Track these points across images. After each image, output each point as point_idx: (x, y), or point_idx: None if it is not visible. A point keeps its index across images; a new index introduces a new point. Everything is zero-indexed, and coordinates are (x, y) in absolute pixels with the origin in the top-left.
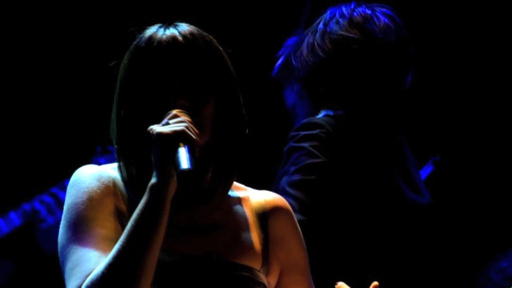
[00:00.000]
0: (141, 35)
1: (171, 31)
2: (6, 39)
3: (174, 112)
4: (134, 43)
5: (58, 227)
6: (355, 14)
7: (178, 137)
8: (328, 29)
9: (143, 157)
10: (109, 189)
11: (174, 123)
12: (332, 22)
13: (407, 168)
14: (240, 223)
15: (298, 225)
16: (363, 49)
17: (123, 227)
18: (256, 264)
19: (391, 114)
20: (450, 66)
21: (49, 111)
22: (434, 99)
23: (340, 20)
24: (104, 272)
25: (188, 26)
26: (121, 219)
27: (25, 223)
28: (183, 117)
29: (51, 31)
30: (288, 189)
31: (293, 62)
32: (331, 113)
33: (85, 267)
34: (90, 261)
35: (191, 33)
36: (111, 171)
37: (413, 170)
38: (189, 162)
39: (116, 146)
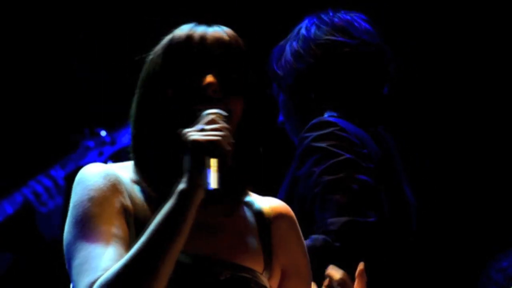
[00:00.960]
0: (178, 30)
1: (214, 28)
2: None
3: (212, 116)
4: (170, 36)
5: (57, 212)
6: (336, 19)
7: (212, 149)
8: (311, 36)
9: (169, 150)
10: (115, 187)
11: (210, 130)
12: (312, 28)
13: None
14: (245, 227)
15: (300, 232)
16: (352, 50)
17: (129, 226)
18: (259, 267)
19: (379, 113)
20: (448, 66)
21: (35, 95)
22: (435, 99)
23: (322, 26)
24: (121, 272)
25: (226, 27)
26: (127, 218)
27: (18, 211)
28: (220, 124)
29: (33, 22)
30: (326, 195)
31: (277, 71)
32: (335, 114)
33: (95, 264)
34: (100, 257)
35: (233, 33)
36: (118, 169)
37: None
38: (218, 181)
39: (137, 136)
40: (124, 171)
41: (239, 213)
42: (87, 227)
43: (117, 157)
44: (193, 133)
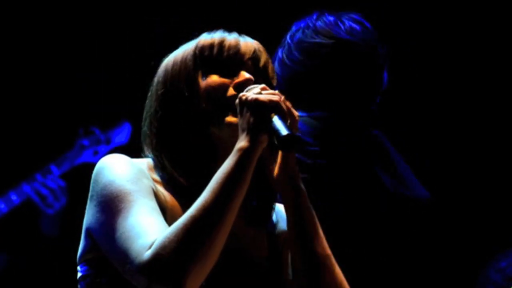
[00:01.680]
0: (207, 35)
1: (244, 38)
2: None
3: (263, 85)
4: (200, 39)
5: (61, 212)
6: (318, 22)
7: (274, 107)
8: (294, 40)
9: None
10: (141, 172)
11: (267, 93)
12: (297, 34)
13: (390, 161)
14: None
15: None
16: (332, 51)
17: (159, 206)
18: (264, 253)
19: (368, 111)
20: (447, 66)
21: (30, 93)
22: (434, 99)
23: (306, 30)
24: (187, 224)
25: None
26: (157, 199)
27: (24, 204)
28: (276, 92)
29: (27, 18)
30: None
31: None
32: (305, 114)
33: (146, 229)
34: (150, 224)
35: (257, 43)
36: (137, 161)
37: (398, 164)
38: (287, 129)
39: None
40: (144, 166)
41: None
42: (126, 201)
43: None
44: (253, 94)
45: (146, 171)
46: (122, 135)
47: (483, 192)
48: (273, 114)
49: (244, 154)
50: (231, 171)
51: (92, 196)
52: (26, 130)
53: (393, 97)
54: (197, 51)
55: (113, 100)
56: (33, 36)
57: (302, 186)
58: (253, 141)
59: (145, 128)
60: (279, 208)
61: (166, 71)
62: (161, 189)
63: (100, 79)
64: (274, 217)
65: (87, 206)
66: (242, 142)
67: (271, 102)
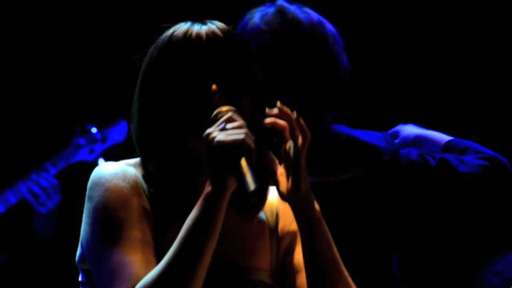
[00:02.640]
0: (172, 30)
1: (208, 26)
2: None
3: (230, 114)
4: (165, 36)
5: (54, 211)
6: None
7: (239, 149)
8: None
9: (172, 152)
10: (134, 189)
11: (232, 128)
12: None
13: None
14: (256, 225)
15: None
16: (271, 46)
17: (149, 227)
18: (266, 265)
19: (326, 105)
20: (447, 66)
21: (27, 92)
22: (434, 99)
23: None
24: (156, 281)
25: (220, 23)
26: (148, 219)
27: (20, 203)
28: (240, 121)
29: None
30: None
31: None
32: None
33: (128, 271)
34: (131, 265)
35: (228, 29)
36: (131, 168)
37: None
38: (254, 181)
39: (141, 143)
40: (138, 168)
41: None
42: (114, 232)
43: (108, 155)
44: (218, 135)
45: (137, 176)
46: (118, 133)
47: None
48: (242, 161)
49: (212, 201)
50: (198, 221)
51: (86, 208)
52: (23, 129)
53: (393, 97)
54: (164, 55)
55: (109, 98)
56: (32, 35)
57: (317, 213)
58: (220, 187)
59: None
60: (278, 203)
61: (143, 71)
62: (148, 191)
63: (97, 78)
64: (275, 218)
65: (83, 213)
66: (208, 188)
67: (236, 143)
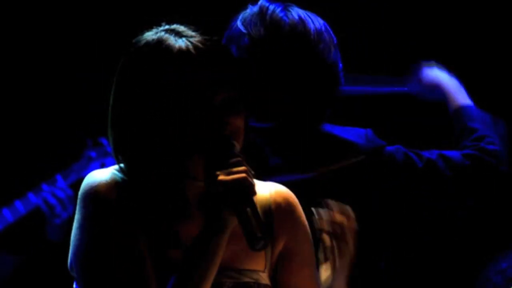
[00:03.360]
0: (144, 40)
1: (183, 41)
2: None
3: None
4: (136, 48)
5: (69, 221)
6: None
7: (242, 193)
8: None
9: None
10: (121, 195)
11: (232, 164)
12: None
13: None
14: None
15: (303, 215)
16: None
17: (135, 233)
18: (260, 265)
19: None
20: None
21: (37, 104)
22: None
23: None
24: None
25: (194, 31)
26: (134, 225)
27: (30, 213)
28: (242, 167)
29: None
30: None
31: None
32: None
33: (111, 280)
34: (115, 274)
35: (204, 41)
36: (120, 174)
37: None
38: (259, 227)
39: (118, 154)
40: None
41: None
42: (100, 242)
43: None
44: (226, 179)
45: (125, 185)
46: None
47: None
48: (248, 210)
49: (211, 239)
50: (200, 255)
51: (76, 217)
52: (32, 140)
53: (394, 98)
54: (138, 65)
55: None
56: (32, 35)
57: None
58: (220, 226)
59: None
60: (272, 200)
61: (121, 79)
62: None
63: (98, 78)
64: (268, 217)
65: (74, 220)
66: (209, 225)
67: (236, 181)
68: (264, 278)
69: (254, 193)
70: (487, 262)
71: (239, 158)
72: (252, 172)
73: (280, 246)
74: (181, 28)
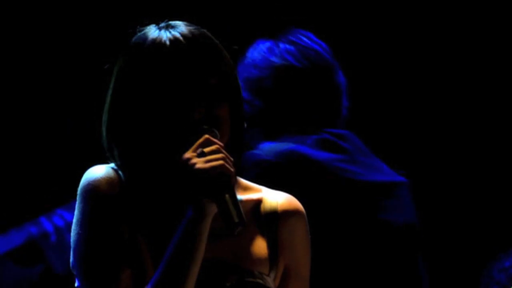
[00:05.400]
0: (138, 38)
1: (172, 34)
2: None
3: (206, 136)
4: (131, 45)
5: (67, 247)
6: (254, 53)
7: (219, 175)
8: (241, 79)
9: (144, 166)
10: (118, 192)
11: (210, 152)
12: (242, 72)
13: (365, 154)
14: (250, 227)
15: (307, 229)
16: (273, 82)
17: (131, 229)
18: (265, 269)
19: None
20: (447, 67)
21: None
22: (434, 100)
23: (246, 65)
24: None
25: (186, 26)
26: (130, 222)
27: (27, 243)
28: (216, 144)
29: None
30: None
31: None
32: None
33: (107, 275)
34: (111, 269)
35: (193, 34)
36: (117, 171)
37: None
38: (237, 214)
39: (111, 153)
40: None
41: (248, 212)
42: (97, 237)
43: None
44: (195, 161)
45: (123, 182)
46: None
47: (484, 192)
48: (227, 196)
49: (193, 227)
50: (181, 245)
51: (75, 213)
52: (42, 166)
53: (393, 98)
54: (130, 63)
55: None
56: (32, 35)
57: None
58: (200, 213)
59: None
60: (280, 208)
61: (115, 80)
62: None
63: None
64: (275, 223)
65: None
66: (191, 213)
67: (214, 169)
68: (268, 281)
69: (233, 180)
70: (491, 260)
71: (217, 146)
72: (231, 159)
73: (283, 256)
74: (170, 22)
